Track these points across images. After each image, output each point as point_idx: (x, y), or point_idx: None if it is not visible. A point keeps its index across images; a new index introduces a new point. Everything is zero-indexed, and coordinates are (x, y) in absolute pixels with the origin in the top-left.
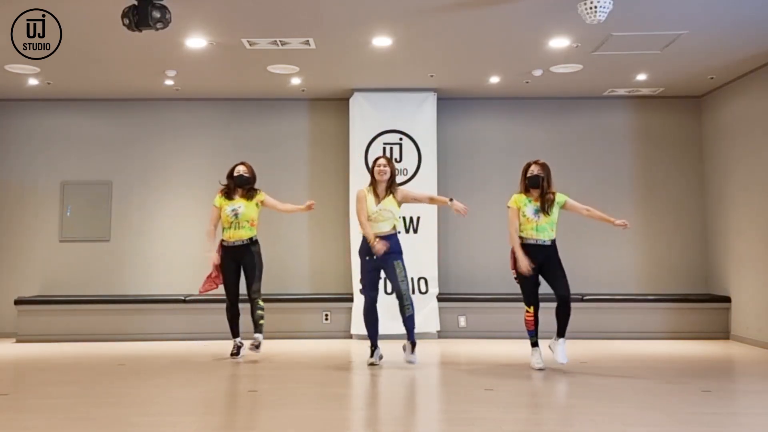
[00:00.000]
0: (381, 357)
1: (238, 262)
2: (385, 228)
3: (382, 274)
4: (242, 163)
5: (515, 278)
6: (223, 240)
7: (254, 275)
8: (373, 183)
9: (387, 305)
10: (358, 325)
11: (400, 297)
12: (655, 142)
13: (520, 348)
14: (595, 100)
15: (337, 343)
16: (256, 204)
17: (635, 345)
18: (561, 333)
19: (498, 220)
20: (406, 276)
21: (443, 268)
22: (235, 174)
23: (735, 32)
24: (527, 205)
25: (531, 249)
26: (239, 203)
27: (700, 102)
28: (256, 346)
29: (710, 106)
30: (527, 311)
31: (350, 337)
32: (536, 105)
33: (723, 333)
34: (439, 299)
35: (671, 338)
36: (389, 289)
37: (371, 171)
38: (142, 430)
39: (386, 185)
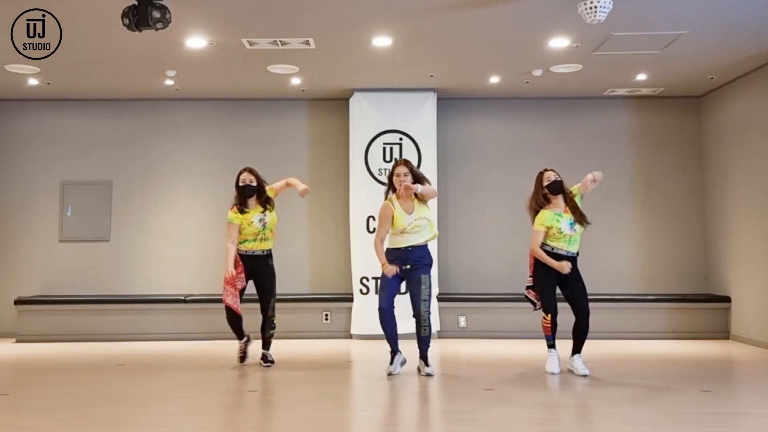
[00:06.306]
0: (404, 362)
1: (254, 274)
2: (419, 240)
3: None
4: (246, 170)
5: (529, 287)
6: (240, 249)
7: (272, 292)
8: (395, 192)
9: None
10: (358, 325)
11: (418, 317)
12: (655, 142)
13: (520, 348)
14: (595, 100)
15: (337, 343)
16: (274, 209)
17: (635, 345)
18: (579, 349)
19: (497, 219)
20: (429, 295)
21: (443, 268)
22: (241, 184)
23: (735, 32)
24: (560, 221)
25: (561, 259)
26: (261, 213)
27: (700, 102)
28: (272, 362)
29: (710, 106)
30: (545, 318)
31: (350, 337)
32: (536, 105)
33: (723, 333)
34: (439, 299)
35: (671, 338)
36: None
37: (389, 179)
38: (141, 430)
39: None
